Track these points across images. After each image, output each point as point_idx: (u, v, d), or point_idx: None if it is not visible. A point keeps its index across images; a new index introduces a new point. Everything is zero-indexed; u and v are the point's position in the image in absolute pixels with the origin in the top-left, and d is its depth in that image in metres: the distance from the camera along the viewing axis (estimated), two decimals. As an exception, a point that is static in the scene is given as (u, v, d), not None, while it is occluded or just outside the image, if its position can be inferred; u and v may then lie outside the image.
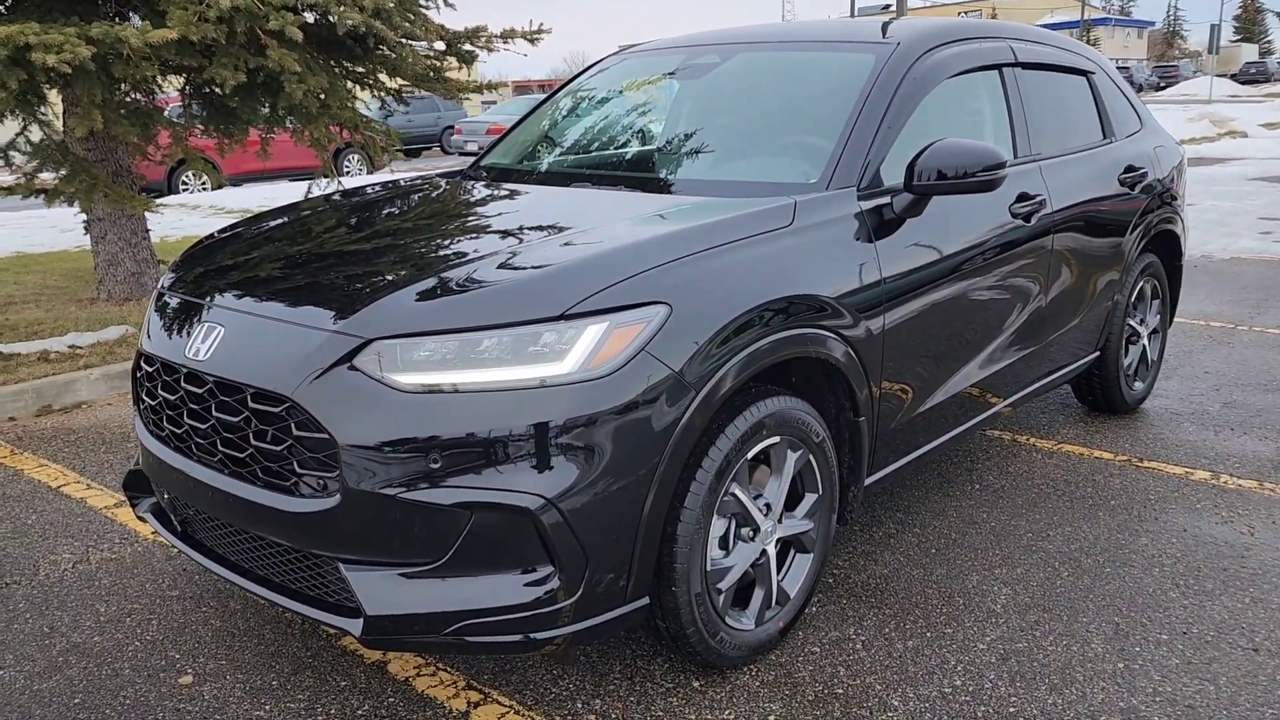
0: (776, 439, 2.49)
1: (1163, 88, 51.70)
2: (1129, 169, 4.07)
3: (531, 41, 7.00)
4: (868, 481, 2.88)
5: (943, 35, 3.34)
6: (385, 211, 3.20)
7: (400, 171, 15.63)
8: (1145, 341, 4.48)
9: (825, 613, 2.84)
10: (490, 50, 6.97)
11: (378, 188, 3.57)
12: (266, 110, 6.32)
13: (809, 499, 2.67)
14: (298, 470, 2.16)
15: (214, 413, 2.31)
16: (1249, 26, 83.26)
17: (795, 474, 2.60)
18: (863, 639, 2.70)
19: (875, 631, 2.74)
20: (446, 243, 2.71)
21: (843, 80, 3.15)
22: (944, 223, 3.00)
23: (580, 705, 2.44)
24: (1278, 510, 3.46)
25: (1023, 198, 3.34)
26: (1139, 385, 4.49)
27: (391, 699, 2.47)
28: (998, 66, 3.53)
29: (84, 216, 6.40)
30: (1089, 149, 3.95)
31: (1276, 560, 3.10)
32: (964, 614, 2.82)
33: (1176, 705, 2.40)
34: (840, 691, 2.47)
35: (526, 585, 2.12)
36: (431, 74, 6.73)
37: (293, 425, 2.15)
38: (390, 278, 2.35)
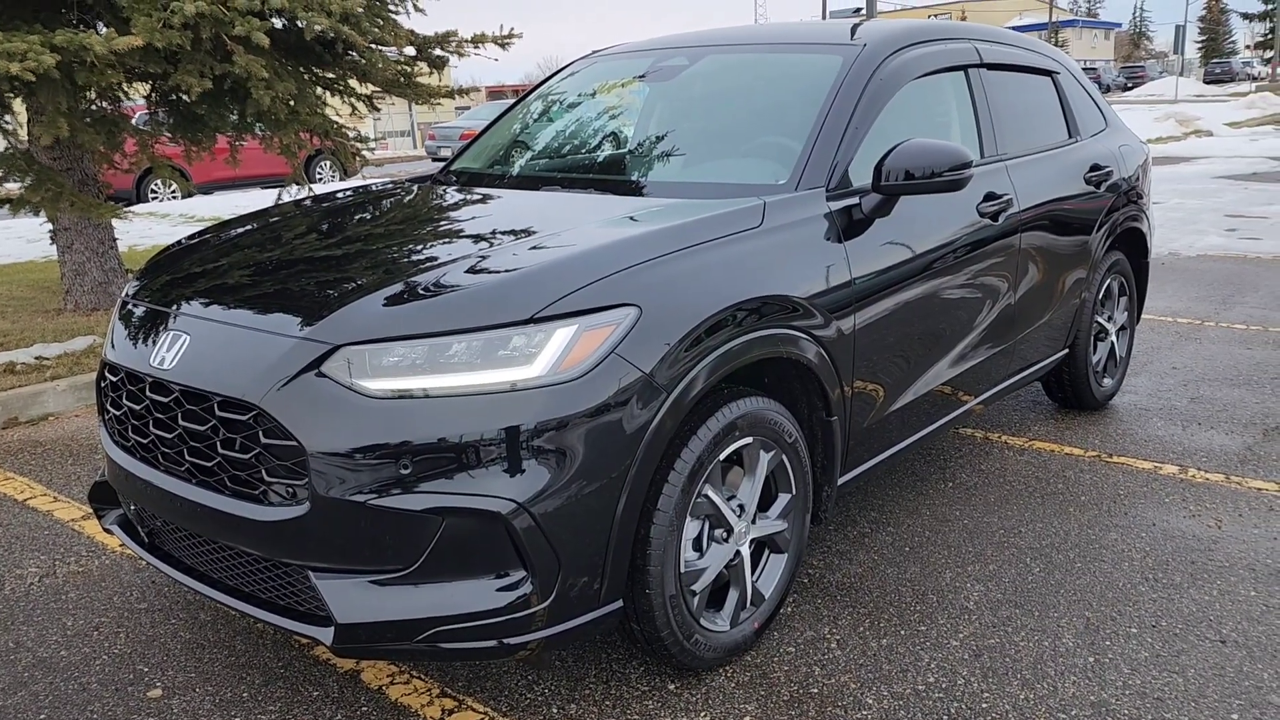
0: (749, 440, 2.50)
1: (1130, 88, 52.35)
2: (1094, 168, 4.12)
3: (502, 46, 6.98)
4: (841, 481, 2.89)
5: (908, 37, 3.36)
6: (355, 217, 3.18)
7: (373, 178, 15.55)
8: (1113, 338, 4.53)
9: (800, 612, 2.84)
10: (461, 55, 6.95)
11: (348, 193, 3.55)
12: (235, 117, 6.27)
13: (782, 499, 2.68)
14: (266, 478, 2.14)
15: (180, 422, 2.28)
16: (1214, 27, 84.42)
17: (768, 474, 2.61)
18: (837, 638, 2.71)
19: (850, 630, 2.74)
20: (416, 248, 2.70)
21: (811, 82, 3.16)
22: (913, 223, 3.01)
23: (555, 710, 2.43)
24: (1245, 503, 3.51)
25: (990, 197, 3.37)
26: (1108, 382, 4.54)
27: (365, 708, 2.45)
28: (963, 67, 3.56)
29: (50, 226, 6.32)
30: (1055, 148, 3.99)
31: (1243, 553, 3.14)
32: (937, 611, 2.83)
33: (1146, 698, 2.42)
34: (815, 691, 2.48)
35: (499, 590, 2.11)
36: (402, 79, 6.71)
37: (260, 433, 2.13)
38: (358, 283, 2.33)
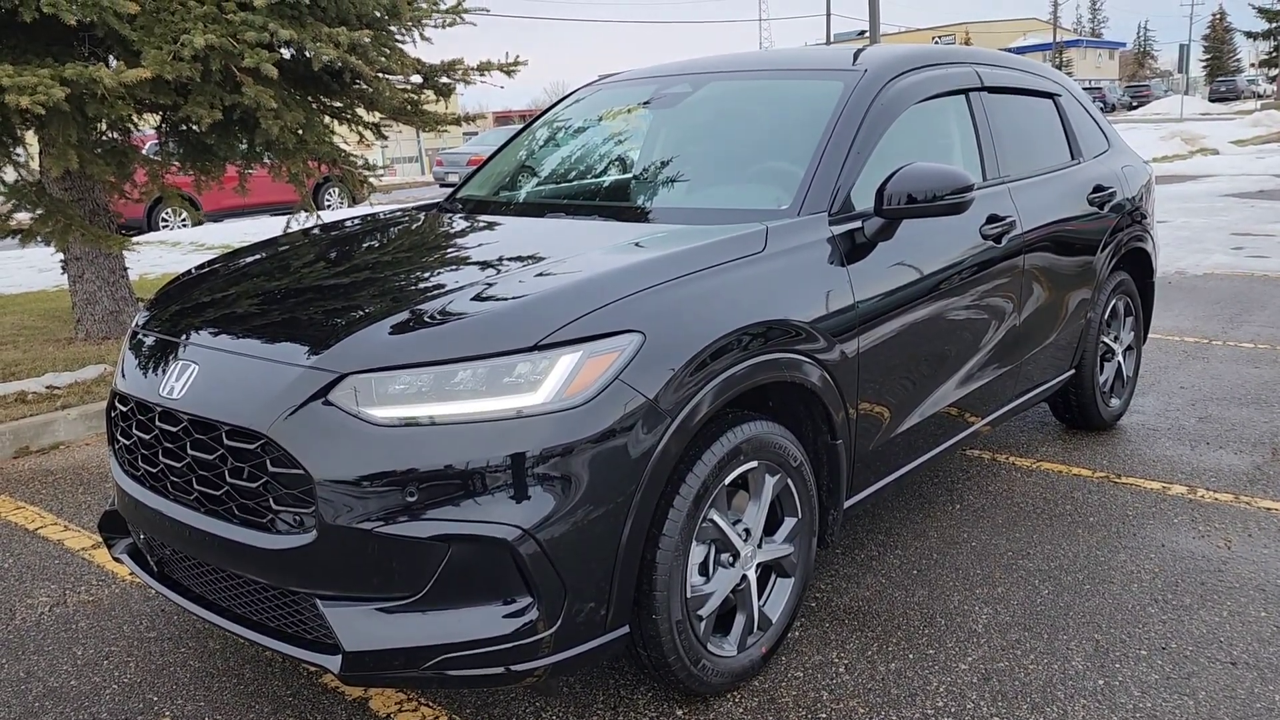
0: (754, 464, 2.50)
1: (1135, 107, 52.38)
2: (1098, 189, 4.13)
3: (508, 74, 7.04)
4: (847, 504, 2.89)
5: (909, 62, 3.39)
6: (362, 245, 3.21)
7: (380, 204, 15.67)
8: (1120, 358, 4.52)
9: (808, 637, 2.84)
10: (467, 83, 7.01)
11: (355, 221, 3.59)
12: (244, 146, 6.32)
13: (788, 523, 2.68)
14: (274, 507, 2.16)
15: (189, 451, 2.30)
16: (1218, 46, 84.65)
17: (774, 498, 2.61)
18: (845, 662, 2.70)
19: (858, 654, 2.74)
20: (422, 275, 2.72)
21: (812, 107, 3.19)
22: (915, 246, 3.03)
23: (563, 737, 2.43)
24: (1254, 523, 3.49)
25: (993, 219, 3.38)
26: (1115, 402, 4.53)
27: (373, 736, 2.45)
28: (964, 91, 3.58)
29: (61, 256, 6.38)
30: (1057, 170, 4.01)
31: (1253, 573, 3.13)
32: (946, 635, 2.82)
33: (1157, 721, 2.41)
34: (824, 716, 2.47)
35: (506, 617, 2.11)
36: (409, 107, 6.77)
37: (268, 462, 2.14)
38: (365, 311, 2.36)
